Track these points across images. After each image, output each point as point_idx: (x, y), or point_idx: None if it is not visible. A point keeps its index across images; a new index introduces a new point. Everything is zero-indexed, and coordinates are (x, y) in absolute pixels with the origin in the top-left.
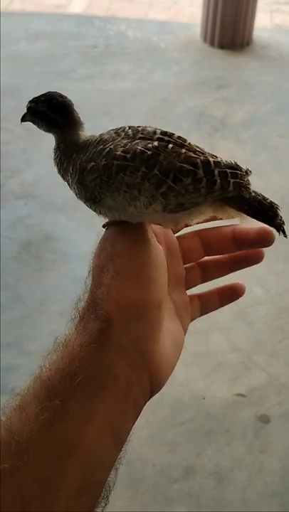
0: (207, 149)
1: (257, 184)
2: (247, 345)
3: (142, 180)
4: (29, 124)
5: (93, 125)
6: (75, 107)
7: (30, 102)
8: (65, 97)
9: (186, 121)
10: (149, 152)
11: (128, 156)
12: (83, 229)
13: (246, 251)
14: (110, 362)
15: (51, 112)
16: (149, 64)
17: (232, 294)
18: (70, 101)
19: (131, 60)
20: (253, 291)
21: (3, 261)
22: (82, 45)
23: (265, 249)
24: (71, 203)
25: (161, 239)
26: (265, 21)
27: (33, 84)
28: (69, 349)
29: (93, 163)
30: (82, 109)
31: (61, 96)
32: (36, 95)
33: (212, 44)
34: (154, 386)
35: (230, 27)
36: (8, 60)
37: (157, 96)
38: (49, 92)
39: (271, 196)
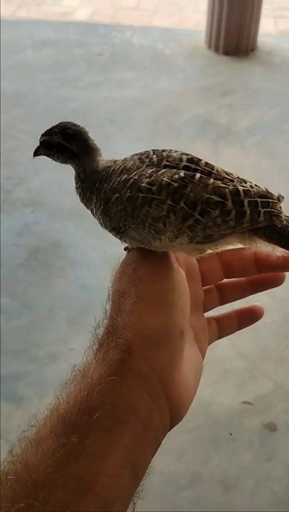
0: (212, 156)
1: None
2: (253, 353)
3: (168, 214)
4: (35, 131)
5: (99, 133)
6: (81, 115)
7: (43, 135)
8: (78, 126)
9: (191, 128)
10: (175, 184)
11: (153, 188)
12: (91, 236)
13: (267, 274)
14: (130, 395)
15: (66, 142)
16: (154, 71)
17: (251, 316)
18: (84, 128)
19: (136, 67)
20: (260, 299)
21: (12, 268)
22: (88, 53)
23: None
24: (79, 211)
25: (181, 262)
26: (269, 27)
27: (40, 92)
28: (88, 380)
29: (118, 195)
30: (88, 117)
31: (74, 125)
32: (49, 127)
33: (217, 51)
34: (173, 417)
35: (234, 33)
36: (15, 68)
37: (163, 103)
38: (61, 122)
39: None
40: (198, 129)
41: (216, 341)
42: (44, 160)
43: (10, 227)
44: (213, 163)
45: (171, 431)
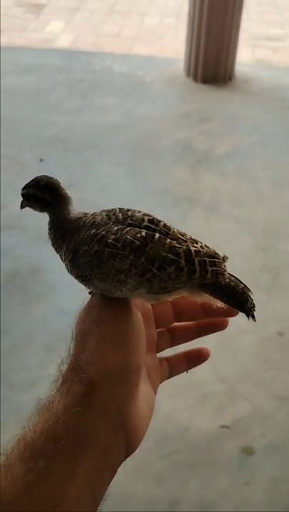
0: (191, 182)
1: (240, 216)
2: (231, 376)
3: (130, 267)
4: (16, 156)
5: (81, 157)
6: (63, 140)
7: (22, 189)
8: (51, 178)
9: (170, 153)
10: (137, 242)
11: (118, 244)
12: None
13: (213, 319)
14: (92, 424)
15: (40, 193)
16: (134, 98)
17: (198, 357)
18: (57, 180)
19: (117, 93)
20: (237, 322)
21: None
22: (70, 79)
23: (246, 281)
24: None
25: (138, 306)
26: (246, 56)
27: (22, 117)
28: (53, 411)
29: (86, 247)
30: (70, 142)
31: (47, 177)
32: (26, 183)
33: (195, 79)
34: (129, 447)
35: (212, 62)
36: None
37: (143, 129)
38: (36, 176)
39: (253, 227)
40: (178, 154)
41: None
42: (23, 184)
43: None
44: (169, 224)
45: (149, 456)
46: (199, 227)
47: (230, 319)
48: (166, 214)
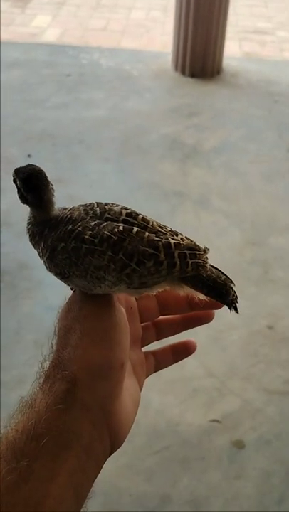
0: (180, 176)
1: (229, 210)
2: (221, 370)
3: (108, 263)
4: (3, 151)
5: (68, 153)
6: (50, 136)
7: (14, 171)
8: (42, 178)
9: (158, 148)
10: (115, 237)
11: (96, 240)
12: None
13: (198, 312)
14: (75, 422)
15: (25, 191)
16: (122, 92)
17: (185, 350)
18: (47, 183)
19: (104, 88)
20: (226, 316)
21: None
22: (57, 74)
23: (236, 275)
24: None
25: (122, 301)
26: (234, 50)
27: (8, 113)
28: (35, 409)
29: (63, 244)
30: (57, 137)
31: (38, 177)
32: (21, 166)
33: (183, 73)
34: (113, 444)
35: (200, 56)
36: None
37: (130, 123)
38: (30, 168)
39: (242, 221)
40: (166, 149)
41: (184, 360)
42: (10, 180)
43: None
44: (148, 217)
45: (140, 452)
46: (188, 221)
47: (220, 313)
48: (155, 208)
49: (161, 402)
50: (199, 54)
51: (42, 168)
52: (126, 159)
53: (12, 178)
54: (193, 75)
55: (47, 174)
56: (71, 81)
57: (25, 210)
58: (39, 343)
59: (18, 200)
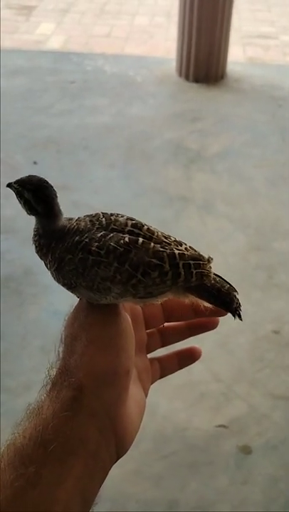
0: (184, 181)
1: (233, 215)
2: (228, 375)
3: (114, 274)
4: (8, 159)
5: (73, 160)
6: (54, 143)
7: (17, 183)
8: (51, 189)
9: (163, 153)
10: (121, 249)
11: (102, 252)
12: None
13: (203, 318)
14: (81, 429)
15: (34, 202)
16: (126, 98)
17: (190, 356)
18: (55, 193)
19: (108, 94)
20: (232, 321)
21: None
22: (61, 81)
23: (241, 280)
24: None
25: (127, 308)
26: (238, 55)
27: (13, 120)
28: (42, 416)
29: (70, 256)
30: (61, 144)
31: (46, 187)
32: (23, 177)
33: (187, 78)
34: (119, 450)
35: (204, 61)
36: None
37: (135, 129)
38: (37, 179)
39: (247, 226)
40: (170, 154)
41: (191, 365)
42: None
43: None
44: (153, 228)
45: (148, 457)
46: (193, 226)
47: (226, 319)
48: (160, 214)
49: (168, 407)
50: (203, 59)
51: (47, 175)
52: (130, 165)
53: (16, 189)
54: (197, 81)
55: (52, 181)
56: (75, 88)
57: (29, 216)
58: (45, 349)
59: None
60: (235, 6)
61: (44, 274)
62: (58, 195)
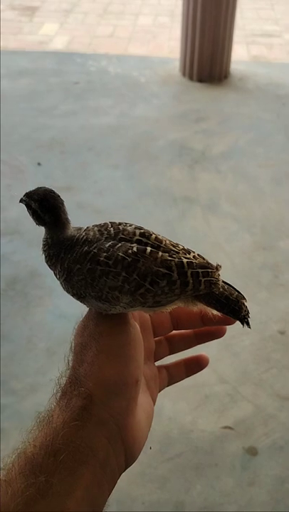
0: (188, 181)
1: (239, 214)
2: (233, 377)
3: (123, 284)
4: (13, 160)
5: (77, 160)
6: (59, 143)
7: (25, 196)
8: (57, 197)
9: (167, 153)
10: (129, 259)
11: (110, 262)
12: None
13: (210, 327)
14: (91, 438)
15: (41, 212)
16: (129, 99)
17: (197, 364)
18: (62, 202)
19: (112, 95)
20: (237, 322)
21: None
22: (65, 82)
23: (247, 279)
24: None
25: (136, 317)
26: (242, 54)
27: (17, 122)
28: (52, 426)
29: (79, 266)
30: (66, 145)
31: (53, 197)
32: (31, 190)
33: (191, 78)
34: (128, 459)
35: (207, 61)
36: None
37: (139, 130)
38: (43, 190)
39: (252, 225)
40: (175, 154)
41: None
42: (20, 188)
43: None
44: (161, 236)
45: (153, 460)
46: (197, 226)
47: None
48: (165, 214)
49: (174, 409)
50: (207, 59)
51: (51, 176)
52: (135, 165)
53: (26, 203)
54: (200, 80)
55: (56, 182)
56: (79, 88)
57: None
58: (51, 351)
59: None
60: (238, 4)
61: (50, 277)
62: (63, 198)
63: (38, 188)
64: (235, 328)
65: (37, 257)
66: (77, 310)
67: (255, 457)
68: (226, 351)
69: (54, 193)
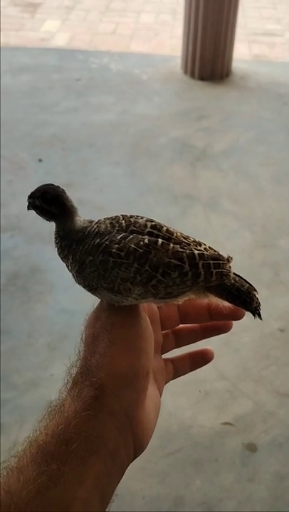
0: (190, 179)
1: (239, 212)
2: (233, 373)
3: (135, 275)
4: (14, 156)
5: (78, 157)
6: (60, 140)
7: (28, 197)
8: (57, 189)
9: (168, 151)
10: (140, 250)
11: (122, 254)
12: None
13: (217, 322)
14: (102, 428)
15: (46, 205)
16: (131, 96)
17: (203, 358)
18: (63, 191)
19: (114, 92)
20: (236, 322)
21: None
22: (66, 79)
23: (247, 277)
24: None
25: (145, 308)
26: (243, 52)
27: (18, 118)
28: (64, 415)
29: (91, 258)
30: (67, 142)
31: (53, 189)
32: (33, 190)
33: (192, 76)
34: (137, 449)
35: (209, 59)
36: None
37: (140, 127)
38: (43, 185)
39: (252, 223)
40: (176, 152)
41: None
42: (21, 184)
43: None
44: (172, 229)
45: (153, 455)
46: (199, 224)
47: None
48: (166, 212)
49: (174, 404)
50: (208, 57)
51: (52, 172)
52: (136, 163)
53: (30, 203)
54: (202, 78)
55: (57, 178)
56: (81, 85)
57: (35, 214)
58: (52, 346)
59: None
60: (240, 3)
61: (51, 272)
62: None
63: (38, 187)
64: (235, 325)
65: (38, 253)
66: (78, 305)
67: (255, 453)
68: (226, 348)
69: (53, 184)
